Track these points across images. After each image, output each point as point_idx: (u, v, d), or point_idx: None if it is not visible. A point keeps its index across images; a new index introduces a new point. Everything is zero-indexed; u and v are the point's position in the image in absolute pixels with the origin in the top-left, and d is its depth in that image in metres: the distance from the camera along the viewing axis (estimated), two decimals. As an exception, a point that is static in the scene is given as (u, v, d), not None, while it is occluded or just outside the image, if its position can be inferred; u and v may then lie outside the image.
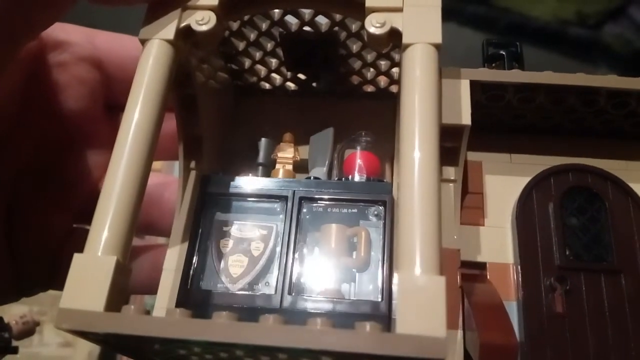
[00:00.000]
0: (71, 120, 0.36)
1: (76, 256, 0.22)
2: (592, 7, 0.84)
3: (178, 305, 0.28)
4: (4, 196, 0.34)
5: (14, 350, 0.60)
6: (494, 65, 0.34)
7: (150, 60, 0.26)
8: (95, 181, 0.38)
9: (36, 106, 0.35)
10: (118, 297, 0.22)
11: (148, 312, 0.22)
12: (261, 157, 0.34)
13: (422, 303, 0.20)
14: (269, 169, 0.34)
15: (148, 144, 0.25)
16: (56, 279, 0.36)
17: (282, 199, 0.31)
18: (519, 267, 0.30)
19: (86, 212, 0.38)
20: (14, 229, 0.34)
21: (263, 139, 0.34)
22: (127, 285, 0.23)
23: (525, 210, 0.32)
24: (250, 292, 0.29)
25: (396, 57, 0.34)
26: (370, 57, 0.35)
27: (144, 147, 0.25)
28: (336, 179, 0.33)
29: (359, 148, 0.33)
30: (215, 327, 0.21)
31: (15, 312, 0.70)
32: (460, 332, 0.29)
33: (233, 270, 0.30)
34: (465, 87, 0.30)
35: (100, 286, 0.21)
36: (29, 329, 0.64)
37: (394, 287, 0.21)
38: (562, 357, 0.28)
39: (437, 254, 0.21)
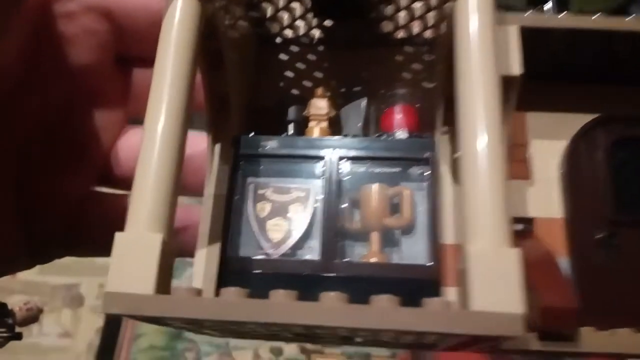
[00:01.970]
0: (80, 75, 0.33)
1: (118, 235, 0.21)
2: (593, 5, 0.78)
3: (220, 273, 0.27)
4: (13, 161, 0.32)
5: (18, 337, 0.60)
6: (538, 8, 0.32)
7: (176, 15, 0.24)
8: (110, 141, 0.36)
9: (42, 61, 0.32)
10: (166, 276, 0.21)
11: (199, 292, 0.21)
12: (292, 114, 0.32)
13: (497, 278, 0.19)
14: (301, 127, 0.32)
15: (184, 105, 0.23)
16: (75, 246, 0.35)
17: (320, 159, 0.29)
18: (568, 221, 0.29)
19: (103, 174, 0.36)
20: (25, 195, 0.33)
21: (293, 94, 0.32)
22: (174, 262, 0.22)
23: (573, 162, 0.30)
24: (293, 258, 0.28)
25: (432, 0, 0.32)
26: (404, 1, 0.32)
27: (180, 109, 0.23)
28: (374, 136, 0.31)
29: (395, 102, 0.31)
30: (275, 309, 0.19)
31: (18, 300, 0.69)
32: None
33: (273, 236, 0.28)
34: (513, 34, 0.28)
35: (147, 267, 0.20)
36: (33, 316, 0.64)
37: (465, 260, 0.20)
38: (613, 313, 0.28)
39: (508, 224, 0.19)
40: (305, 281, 0.27)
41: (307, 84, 0.33)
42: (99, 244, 0.37)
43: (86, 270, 0.91)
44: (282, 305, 0.20)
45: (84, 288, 0.89)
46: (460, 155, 0.21)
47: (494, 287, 0.18)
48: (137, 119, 0.37)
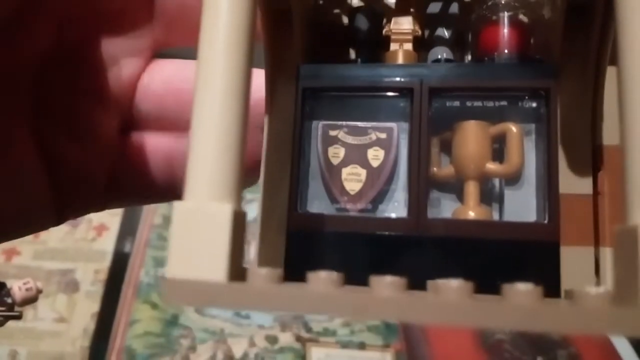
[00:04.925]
0: None
1: (177, 206, 0.16)
2: None
3: (289, 237, 0.23)
4: (26, 89, 0.27)
5: (18, 317, 0.59)
6: None
7: None
8: (135, 72, 0.30)
9: None
10: (239, 257, 0.17)
11: (280, 277, 0.16)
12: (366, 33, 0.26)
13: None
14: (376, 51, 0.26)
15: (248, 27, 0.17)
16: (112, 195, 0.30)
17: (405, 91, 0.24)
18: None
19: (124, 108, 0.31)
20: (47, 134, 0.28)
21: (368, 9, 0.26)
22: (245, 238, 0.17)
23: None
24: (375, 215, 0.23)
25: None
26: None
27: (244, 32, 0.17)
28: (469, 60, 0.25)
29: (500, 16, 0.25)
30: (379, 304, 0.15)
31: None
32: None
33: (350, 186, 0.24)
34: None
35: (216, 246, 0.16)
36: (32, 296, 0.62)
37: None
38: None
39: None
40: (390, 243, 0.22)
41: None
42: (135, 188, 0.32)
43: (81, 255, 0.90)
44: (389, 301, 0.15)
45: (80, 273, 0.89)
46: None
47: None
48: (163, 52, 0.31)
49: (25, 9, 0.25)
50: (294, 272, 0.22)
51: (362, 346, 0.81)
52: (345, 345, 0.81)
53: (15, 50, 0.26)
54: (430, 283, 0.18)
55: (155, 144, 0.31)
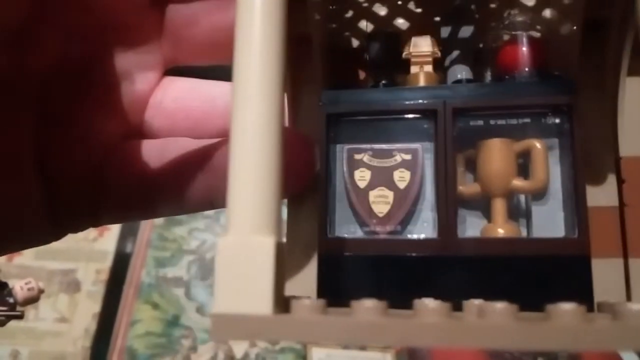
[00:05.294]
0: (107, 5, 0.27)
1: (221, 242, 0.16)
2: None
3: (321, 262, 0.23)
4: (32, 100, 0.26)
5: (19, 316, 0.59)
6: None
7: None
8: (145, 88, 0.29)
9: None
10: (282, 287, 0.17)
11: (323, 308, 0.17)
12: (384, 56, 0.26)
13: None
14: (395, 73, 0.26)
15: (281, 53, 0.18)
16: (103, 209, 0.29)
17: (429, 113, 0.24)
18: None
19: (135, 128, 0.31)
20: (44, 147, 0.27)
21: (385, 33, 0.26)
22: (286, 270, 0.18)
23: None
24: (404, 237, 0.24)
25: None
26: None
27: (277, 59, 0.18)
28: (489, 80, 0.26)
29: (517, 34, 0.25)
30: (426, 332, 0.15)
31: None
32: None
33: (378, 209, 0.24)
34: None
35: (261, 280, 0.16)
36: (34, 296, 0.62)
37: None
38: None
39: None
40: (422, 263, 0.23)
41: (401, 20, 0.26)
42: (129, 202, 0.31)
43: (83, 255, 0.90)
44: (437, 328, 0.15)
45: (81, 273, 0.88)
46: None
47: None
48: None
49: (32, 20, 0.25)
50: (329, 296, 0.22)
51: (363, 346, 0.81)
52: (346, 345, 0.81)
53: (21, 61, 0.26)
54: (467, 304, 0.18)
55: (145, 150, 0.30)
